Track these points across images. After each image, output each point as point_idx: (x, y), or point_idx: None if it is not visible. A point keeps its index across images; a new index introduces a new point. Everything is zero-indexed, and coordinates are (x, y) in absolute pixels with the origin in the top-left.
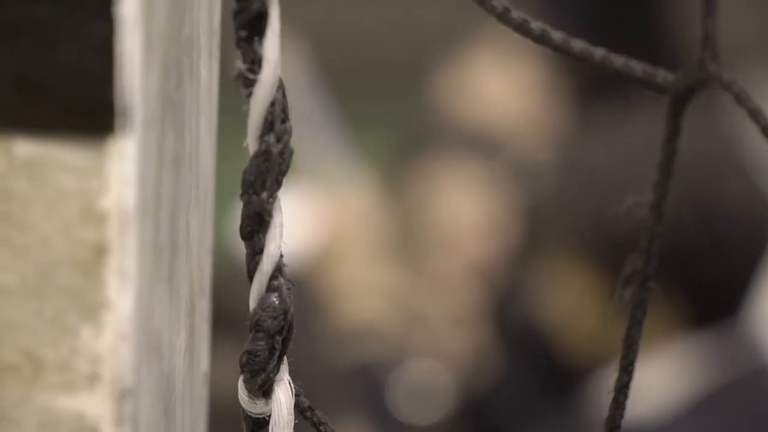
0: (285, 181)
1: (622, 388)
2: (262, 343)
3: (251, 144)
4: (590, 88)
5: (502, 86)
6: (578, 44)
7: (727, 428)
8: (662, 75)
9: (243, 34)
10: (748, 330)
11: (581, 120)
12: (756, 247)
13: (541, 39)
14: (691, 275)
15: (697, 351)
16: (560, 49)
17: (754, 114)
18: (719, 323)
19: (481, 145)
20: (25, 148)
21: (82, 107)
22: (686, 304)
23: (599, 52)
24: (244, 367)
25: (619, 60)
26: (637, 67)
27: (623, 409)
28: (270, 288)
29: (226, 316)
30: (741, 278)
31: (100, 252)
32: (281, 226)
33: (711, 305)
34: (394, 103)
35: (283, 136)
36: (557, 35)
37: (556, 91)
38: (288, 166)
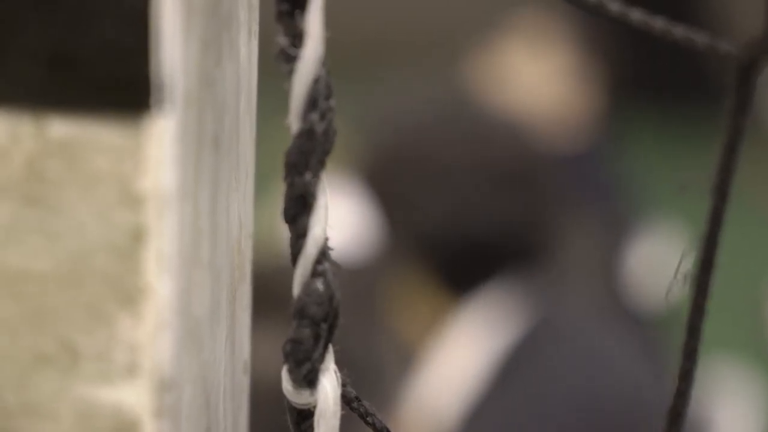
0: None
1: (685, 375)
2: (307, 330)
3: (294, 123)
4: (622, 74)
5: (533, 72)
6: (637, 15)
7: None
8: (725, 45)
9: (284, 7)
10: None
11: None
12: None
13: (597, 10)
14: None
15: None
16: (618, 20)
17: None
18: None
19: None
20: (60, 129)
21: (119, 84)
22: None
23: (659, 23)
24: (288, 356)
25: (679, 30)
26: (699, 37)
27: (687, 397)
28: (315, 273)
29: (268, 303)
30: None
31: (137, 236)
32: (326, 208)
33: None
34: (424, 88)
35: (327, 114)
36: (615, 5)
37: (589, 77)
38: (332, 145)
